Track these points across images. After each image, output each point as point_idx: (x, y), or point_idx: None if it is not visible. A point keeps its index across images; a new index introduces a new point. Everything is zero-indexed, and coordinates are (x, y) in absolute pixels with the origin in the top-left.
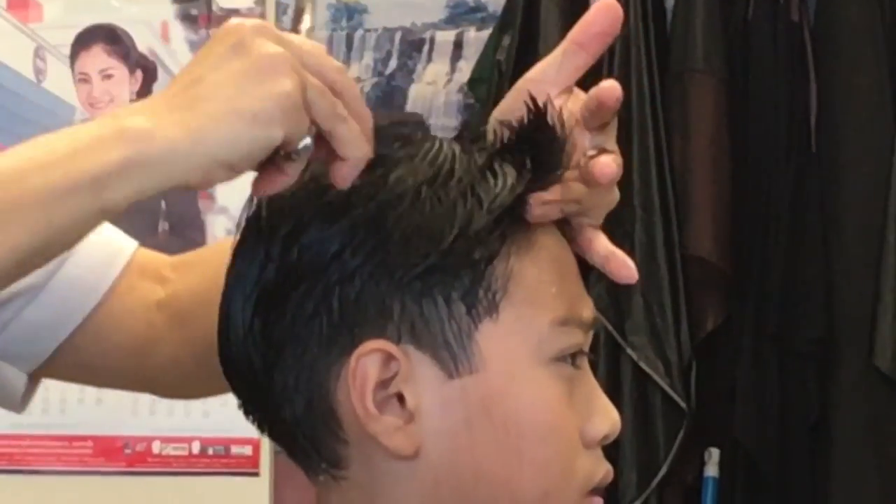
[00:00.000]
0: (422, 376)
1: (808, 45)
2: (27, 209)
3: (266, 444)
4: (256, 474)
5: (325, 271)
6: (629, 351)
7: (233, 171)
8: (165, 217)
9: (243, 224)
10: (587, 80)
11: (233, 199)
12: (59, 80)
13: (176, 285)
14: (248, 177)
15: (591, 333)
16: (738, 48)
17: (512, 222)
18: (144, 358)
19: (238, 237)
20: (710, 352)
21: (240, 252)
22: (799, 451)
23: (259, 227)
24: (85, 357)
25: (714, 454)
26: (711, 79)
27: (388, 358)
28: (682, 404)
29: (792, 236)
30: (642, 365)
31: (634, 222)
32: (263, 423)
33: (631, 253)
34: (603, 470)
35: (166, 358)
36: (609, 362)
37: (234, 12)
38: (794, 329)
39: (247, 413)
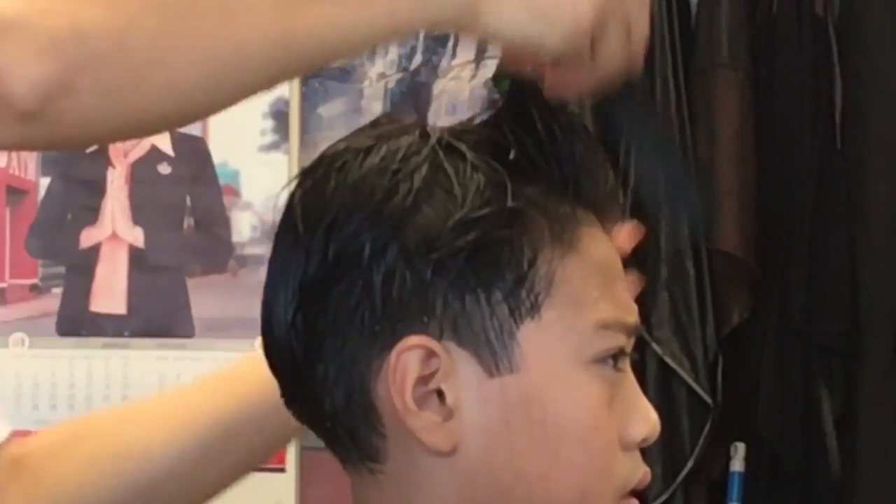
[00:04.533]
0: (462, 373)
1: (833, 40)
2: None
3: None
4: (283, 470)
5: (368, 266)
6: (654, 346)
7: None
8: (191, 213)
9: (280, 218)
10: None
11: (258, 195)
12: None
13: (29, 443)
14: (272, 172)
15: (633, 337)
16: (763, 43)
17: (557, 221)
18: None
19: (277, 231)
20: (735, 346)
21: (281, 245)
22: (824, 446)
23: (298, 222)
24: None
25: (740, 449)
26: (736, 74)
27: (429, 354)
28: (708, 399)
29: (817, 231)
30: (667, 360)
31: (660, 217)
32: (303, 415)
33: (656, 248)
34: (641, 472)
35: None
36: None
37: None
38: (819, 323)
39: (288, 404)
